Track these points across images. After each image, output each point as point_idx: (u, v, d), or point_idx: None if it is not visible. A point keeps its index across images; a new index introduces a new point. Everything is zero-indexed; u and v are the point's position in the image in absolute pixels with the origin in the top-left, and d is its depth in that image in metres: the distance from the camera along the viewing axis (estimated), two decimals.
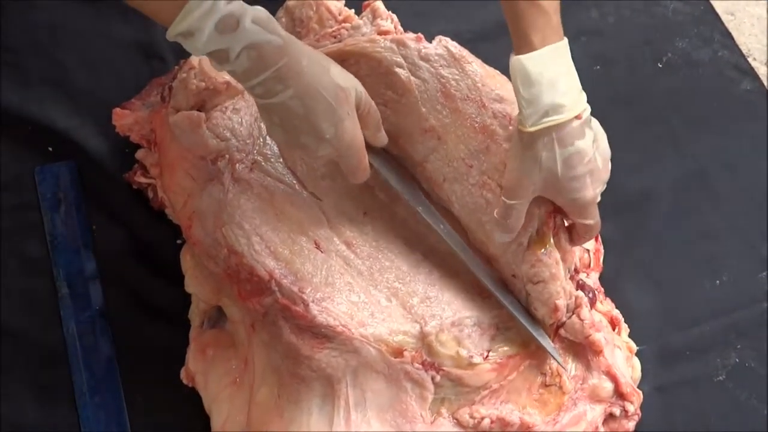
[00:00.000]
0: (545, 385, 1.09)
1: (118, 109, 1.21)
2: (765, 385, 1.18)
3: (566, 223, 1.08)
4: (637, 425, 1.13)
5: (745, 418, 1.16)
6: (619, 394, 1.10)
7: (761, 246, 1.28)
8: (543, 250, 1.05)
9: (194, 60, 1.14)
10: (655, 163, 1.34)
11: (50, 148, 1.27)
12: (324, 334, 1.00)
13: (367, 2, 1.21)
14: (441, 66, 1.11)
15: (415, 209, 1.09)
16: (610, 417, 1.11)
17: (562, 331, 1.09)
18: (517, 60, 0.98)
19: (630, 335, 1.17)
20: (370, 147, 1.03)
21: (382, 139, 1.06)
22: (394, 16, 1.21)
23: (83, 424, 1.11)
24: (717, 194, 1.33)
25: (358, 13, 1.21)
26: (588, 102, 1.03)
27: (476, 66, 1.12)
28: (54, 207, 1.23)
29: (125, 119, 1.20)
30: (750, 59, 1.44)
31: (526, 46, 0.99)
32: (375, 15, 1.19)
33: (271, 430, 1.00)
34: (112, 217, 1.23)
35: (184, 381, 1.10)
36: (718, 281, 1.25)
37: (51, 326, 1.16)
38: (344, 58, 1.12)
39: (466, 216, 1.10)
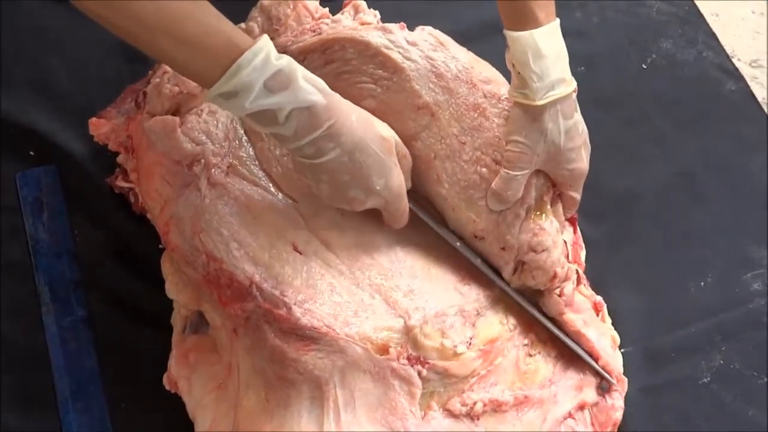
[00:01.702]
0: (530, 355, 1.10)
1: (94, 119, 1.21)
2: (750, 386, 1.18)
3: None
4: (623, 426, 1.13)
5: (730, 420, 1.16)
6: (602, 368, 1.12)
7: (747, 247, 1.28)
8: (543, 219, 1.09)
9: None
10: (640, 165, 1.34)
11: (32, 152, 1.26)
12: (309, 336, 1.00)
13: (347, 0, 1.21)
14: (429, 49, 1.13)
15: (453, 245, 1.11)
16: (595, 405, 1.11)
17: (541, 302, 1.11)
18: (530, 35, 1.01)
19: None
20: None
21: (409, 183, 1.07)
22: (377, 13, 1.21)
23: (66, 431, 1.10)
24: (702, 195, 1.33)
25: (334, 13, 1.21)
26: None
27: (462, 51, 1.15)
28: (36, 211, 1.22)
29: (102, 128, 1.20)
30: (734, 60, 1.44)
31: (533, 22, 1.01)
32: (357, 10, 1.20)
33: None
34: (94, 222, 1.23)
35: (167, 387, 1.09)
36: (703, 283, 1.25)
37: (33, 331, 1.15)
38: (328, 46, 1.12)
39: (455, 194, 1.11)
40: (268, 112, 0.91)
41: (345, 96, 1.08)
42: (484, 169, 1.09)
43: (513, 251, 1.09)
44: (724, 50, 1.44)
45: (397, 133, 1.11)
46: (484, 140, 1.09)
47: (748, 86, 1.41)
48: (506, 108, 1.09)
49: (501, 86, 1.12)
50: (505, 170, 1.06)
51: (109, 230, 1.22)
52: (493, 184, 1.08)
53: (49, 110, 1.29)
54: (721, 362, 1.20)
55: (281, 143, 0.97)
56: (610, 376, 1.11)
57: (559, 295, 1.10)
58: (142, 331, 1.16)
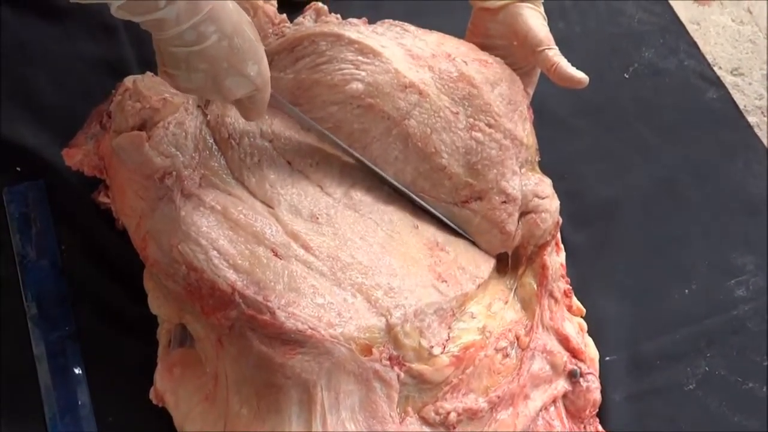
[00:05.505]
0: (506, 356, 1.11)
1: (67, 150, 1.19)
2: (735, 393, 1.19)
3: None
4: None
5: (715, 427, 1.17)
6: (571, 351, 1.13)
7: (730, 254, 1.29)
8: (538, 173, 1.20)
9: (128, 81, 1.13)
10: (623, 172, 1.35)
11: (18, 168, 1.26)
12: (294, 340, 1.00)
13: (308, 6, 1.22)
14: (397, 37, 1.16)
15: (326, 135, 1.14)
16: (570, 392, 1.12)
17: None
18: None
19: (600, 344, 1.18)
20: None
21: None
22: (339, 16, 1.22)
23: None
24: (685, 202, 1.34)
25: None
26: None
27: (427, 32, 1.19)
28: (23, 227, 1.22)
29: (75, 157, 1.18)
30: (715, 68, 1.46)
31: None
32: (319, 14, 1.21)
33: None
34: (81, 237, 1.23)
35: (154, 401, 1.09)
36: (687, 290, 1.26)
37: (20, 347, 1.15)
38: (296, 44, 1.14)
39: (455, 162, 1.14)
40: None
41: (327, 84, 1.12)
42: (479, 134, 1.14)
43: (516, 202, 1.15)
44: (705, 59, 1.45)
45: (388, 113, 1.14)
46: (475, 108, 1.14)
47: (729, 94, 1.43)
48: (492, 72, 1.15)
49: (475, 49, 1.19)
50: (555, 50, 1.17)
51: (96, 245, 1.22)
52: (559, 70, 1.17)
53: (35, 125, 1.29)
54: (706, 369, 1.21)
55: (160, 32, 0.92)
56: (582, 362, 1.13)
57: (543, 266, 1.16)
58: (130, 346, 1.16)
